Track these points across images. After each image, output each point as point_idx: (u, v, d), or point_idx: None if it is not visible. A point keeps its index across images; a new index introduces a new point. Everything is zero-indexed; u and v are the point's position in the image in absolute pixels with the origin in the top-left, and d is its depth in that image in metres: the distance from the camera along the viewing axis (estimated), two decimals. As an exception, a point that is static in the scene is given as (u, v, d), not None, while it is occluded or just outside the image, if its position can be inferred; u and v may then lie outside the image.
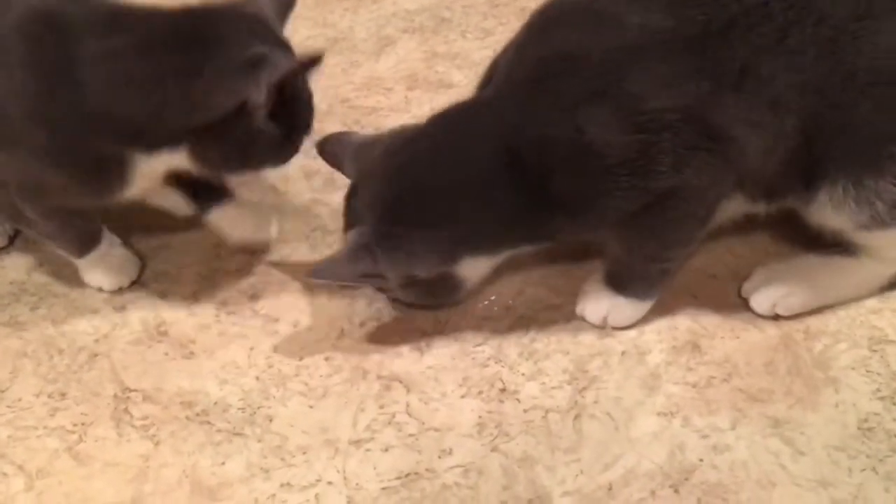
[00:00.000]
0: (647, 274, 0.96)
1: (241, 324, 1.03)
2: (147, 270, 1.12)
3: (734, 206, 0.91)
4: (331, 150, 1.03)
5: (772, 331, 0.96)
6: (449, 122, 0.92)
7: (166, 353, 1.00)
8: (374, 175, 0.94)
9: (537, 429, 0.88)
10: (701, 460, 0.84)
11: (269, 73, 0.85)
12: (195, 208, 1.09)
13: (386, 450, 0.88)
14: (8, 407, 0.95)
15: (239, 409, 0.93)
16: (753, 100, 0.82)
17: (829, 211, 0.87)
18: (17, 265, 1.15)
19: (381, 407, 0.92)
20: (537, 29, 0.90)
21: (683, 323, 0.98)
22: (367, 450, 0.88)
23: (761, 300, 0.97)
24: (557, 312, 1.01)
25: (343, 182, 1.18)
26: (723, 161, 0.85)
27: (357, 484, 0.85)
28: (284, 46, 0.93)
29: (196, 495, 0.85)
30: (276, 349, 1.00)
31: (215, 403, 0.94)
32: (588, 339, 0.97)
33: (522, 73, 0.88)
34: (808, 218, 0.91)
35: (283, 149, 0.95)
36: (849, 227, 0.88)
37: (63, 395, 0.96)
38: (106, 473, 0.88)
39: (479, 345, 0.98)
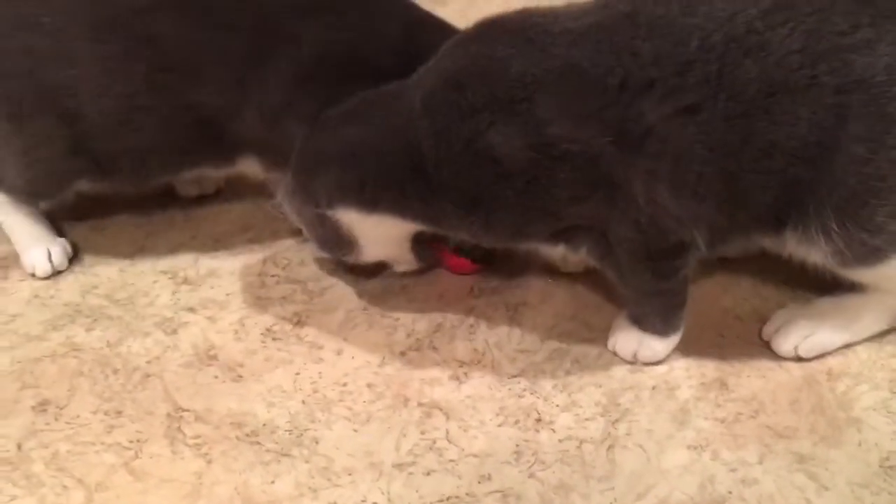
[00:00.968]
0: (656, 310, 1.00)
1: (286, 349, 1.08)
2: (195, 298, 1.17)
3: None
4: None
5: (796, 371, 1.00)
6: (378, 93, 1.02)
7: (216, 376, 1.05)
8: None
9: (572, 458, 0.93)
10: (730, 493, 0.88)
11: None
12: None
13: (428, 474, 0.92)
14: (67, 423, 1.00)
15: (286, 430, 0.98)
16: (655, 161, 0.88)
17: (801, 249, 0.93)
18: (71, 288, 1.20)
19: (423, 433, 0.96)
20: (476, 34, 0.97)
21: (711, 361, 1.02)
22: (410, 473, 0.92)
23: (782, 342, 1.01)
24: (590, 346, 1.05)
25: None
26: (628, 208, 0.91)
27: (401, 506, 0.89)
28: None
29: (248, 512, 0.89)
30: (320, 374, 1.04)
31: (264, 425, 0.98)
32: (620, 373, 1.02)
33: (449, 63, 0.97)
34: (789, 254, 0.96)
35: None
36: (826, 264, 0.93)
37: (119, 413, 1.01)
38: (161, 489, 0.92)
39: (514, 376, 1.02)
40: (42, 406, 1.02)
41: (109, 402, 1.03)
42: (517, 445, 0.94)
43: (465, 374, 1.03)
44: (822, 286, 1.07)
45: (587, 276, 1.14)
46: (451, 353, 1.06)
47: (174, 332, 1.12)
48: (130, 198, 1.37)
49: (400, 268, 1.15)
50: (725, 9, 0.86)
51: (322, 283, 1.18)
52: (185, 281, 1.20)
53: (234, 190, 1.38)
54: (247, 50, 1.09)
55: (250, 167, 1.21)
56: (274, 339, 1.10)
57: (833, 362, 1.00)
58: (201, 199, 1.36)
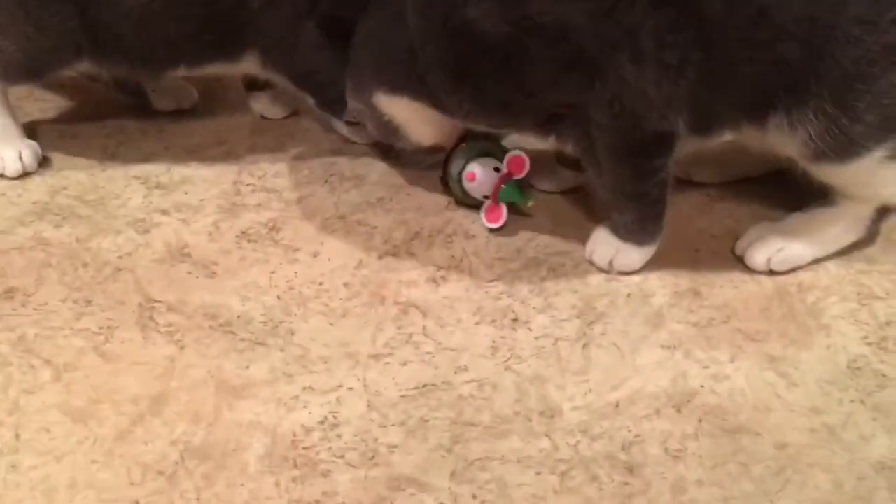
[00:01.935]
0: (638, 216, 1.01)
1: (261, 250, 1.07)
2: (168, 201, 1.16)
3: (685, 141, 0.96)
4: None
5: (768, 284, 1.02)
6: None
7: (189, 272, 1.04)
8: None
9: (548, 353, 0.93)
10: (702, 386, 0.89)
11: None
12: None
13: (404, 364, 0.92)
14: (34, 310, 0.98)
15: (261, 322, 0.97)
16: (632, 36, 0.87)
17: (781, 138, 0.92)
18: (40, 188, 1.18)
19: (399, 328, 0.96)
20: None
21: (685, 272, 1.03)
22: (387, 363, 0.92)
23: (755, 255, 1.03)
24: (567, 258, 1.06)
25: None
26: (604, 90, 0.91)
27: (376, 391, 0.89)
28: None
29: (221, 392, 0.88)
30: (296, 274, 1.04)
31: (238, 317, 0.97)
32: (595, 281, 1.03)
33: None
34: (764, 146, 0.97)
35: None
36: (803, 157, 0.94)
37: (88, 301, 0.99)
38: (133, 370, 0.91)
39: (491, 280, 1.03)
40: (8, 293, 1.00)
41: (79, 291, 1.01)
42: (493, 341, 0.95)
43: (443, 277, 1.03)
44: (792, 208, 1.09)
45: (566, 196, 1.15)
46: (429, 258, 1.06)
47: (146, 231, 1.10)
48: (102, 108, 1.35)
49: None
50: None
51: (299, 192, 1.17)
52: (158, 186, 1.18)
53: (209, 106, 1.36)
54: None
55: (251, 67, 1.21)
56: (249, 240, 1.09)
57: (804, 276, 1.02)
58: (175, 113, 1.34)
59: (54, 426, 0.85)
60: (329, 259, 1.06)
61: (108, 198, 1.16)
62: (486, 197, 1.09)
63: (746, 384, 0.89)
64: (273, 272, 1.04)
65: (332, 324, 0.97)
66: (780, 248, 1.02)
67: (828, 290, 1.00)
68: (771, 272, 1.02)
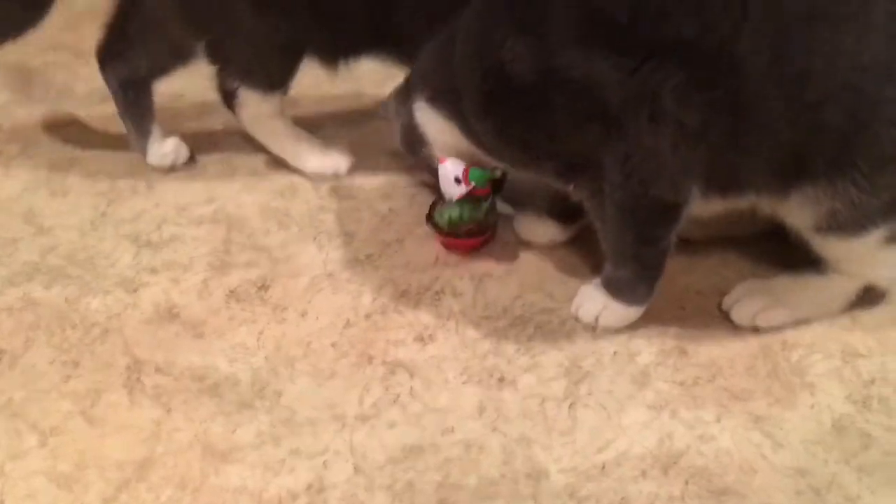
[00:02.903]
0: (634, 277, 1.02)
1: (250, 310, 1.08)
2: (157, 260, 1.16)
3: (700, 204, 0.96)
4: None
5: (753, 341, 1.02)
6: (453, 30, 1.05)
7: (177, 333, 1.04)
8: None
9: (534, 414, 0.93)
10: (688, 447, 0.89)
11: None
12: None
13: (391, 426, 0.92)
14: (22, 372, 0.98)
15: (248, 384, 0.97)
16: (652, 86, 0.86)
17: (798, 208, 0.93)
18: (30, 248, 1.19)
19: (387, 388, 0.96)
20: None
21: (671, 330, 1.04)
22: (374, 425, 0.92)
23: (741, 312, 1.04)
24: (553, 315, 1.07)
25: (345, 192, 1.25)
26: (620, 145, 0.91)
27: (363, 454, 0.89)
28: None
29: (208, 457, 0.88)
30: (284, 334, 1.04)
31: (226, 378, 0.98)
32: (582, 339, 1.03)
33: None
34: (772, 214, 0.97)
35: None
36: (810, 229, 0.94)
37: (76, 363, 0.99)
38: (119, 434, 0.91)
39: (478, 339, 1.03)
40: (-4, 356, 1.00)
41: (67, 353, 1.01)
42: (480, 402, 0.95)
43: (430, 336, 1.04)
44: (777, 267, 1.11)
45: (553, 251, 1.16)
46: (417, 317, 1.06)
47: (135, 291, 1.11)
48: (93, 164, 1.36)
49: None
50: None
51: (287, 251, 1.18)
52: (148, 244, 1.19)
53: (200, 163, 1.37)
54: None
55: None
56: (238, 300, 1.09)
57: (788, 333, 1.03)
58: (165, 170, 1.35)
59: (39, 493, 0.85)
60: (317, 318, 1.06)
61: (98, 257, 1.17)
62: (457, 179, 1.09)
63: (732, 444, 0.90)
64: (261, 332, 1.04)
65: (319, 385, 0.97)
66: (765, 305, 1.03)
67: (812, 348, 1.01)
68: (756, 328, 1.03)
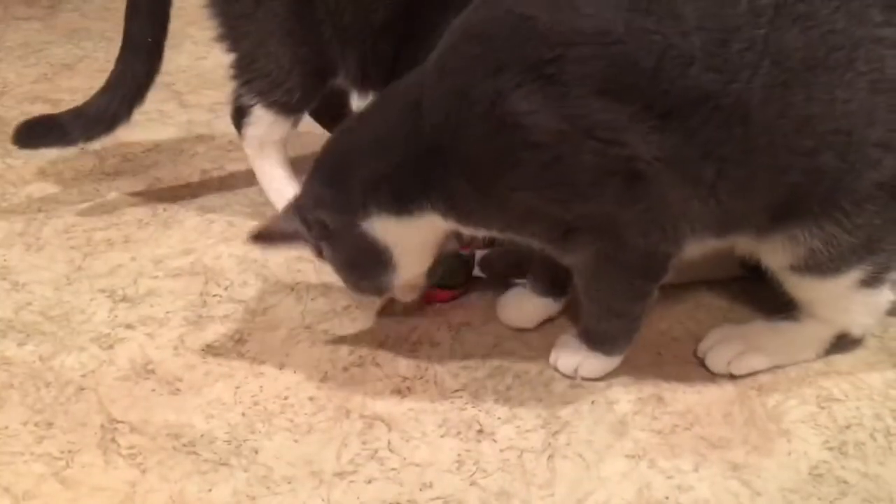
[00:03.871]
0: (615, 330, 1.03)
1: (227, 364, 1.07)
2: (133, 315, 1.16)
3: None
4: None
5: (729, 387, 1.03)
6: (389, 90, 0.98)
7: (153, 390, 1.03)
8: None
9: (513, 467, 0.93)
10: (667, 498, 0.89)
11: None
12: None
13: (369, 482, 0.91)
14: (-6, 434, 0.97)
15: (225, 441, 0.96)
16: (675, 140, 0.85)
17: (778, 249, 0.94)
18: (3, 305, 1.18)
19: (364, 443, 0.96)
20: None
21: (648, 377, 1.04)
22: (351, 481, 0.91)
23: (715, 359, 1.04)
24: (531, 364, 1.07)
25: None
26: (644, 199, 0.88)
27: (341, 512, 0.88)
28: None
29: (183, 518, 0.87)
30: (261, 388, 1.03)
31: (202, 436, 0.97)
32: (560, 388, 1.03)
33: (473, 18, 0.90)
34: (750, 253, 0.98)
35: None
36: (786, 269, 0.95)
37: (50, 424, 0.98)
38: (93, 497, 0.89)
39: (456, 390, 1.03)
40: (-32, 417, 0.99)
41: (40, 413, 1.00)
42: (459, 455, 0.94)
43: (408, 388, 1.03)
44: (751, 311, 1.12)
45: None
46: (394, 368, 1.06)
47: (110, 347, 1.10)
48: (69, 216, 1.36)
49: (407, 297, 1.09)
50: None
51: (265, 303, 1.18)
52: (124, 299, 1.19)
53: (175, 214, 1.37)
54: None
55: None
56: (214, 355, 1.09)
57: (764, 379, 1.04)
58: (141, 222, 1.35)
59: (11, 560, 0.83)
60: (295, 372, 1.06)
61: (73, 313, 1.16)
62: None
63: (710, 494, 0.90)
64: (238, 387, 1.04)
65: (296, 441, 0.96)
66: (739, 352, 1.04)
67: (787, 393, 1.02)
68: (731, 375, 1.04)
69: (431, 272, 1.05)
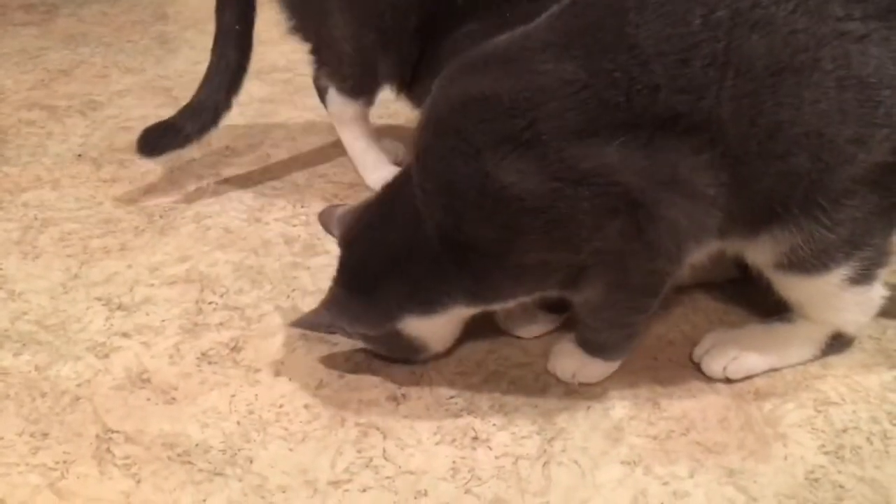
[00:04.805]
0: (614, 339, 1.03)
1: (222, 373, 1.07)
2: (129, 323, 1.16)
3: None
4: (324, 220, 1.11)
5: (725, 391, 1.03)
6: (389, 188, 1.00)
7: (148, 399, 1.03)
8: (341, 243, 1.03)
9: (508, 474, 0.93)
10: (662, 504, 0.89)
11: None
12: None
13: (364, 490, 0.91)
14: (-11, 445, 0.97)
15: (220, 450, 0.96)
16: (662, 161, 0.85)
17: (764, 249, 0.93)
18: (0, 314, 1.17)
19: (359, 451, 0.96)
20: (451, 77, 0.92)
21: (644, 382, 1.04)
22: (346, 490, 0.91)
23: (711, 364, 1.04)
24: (527, 370, 1.07)
25: (320, 247, 1.26)
26: (650, 228, 0.87)
27: (336, 521, 0.88)
28: None
29: (178, 529, 0.87)
30: (257, 397, 1.03)
31: (196, 445, 0.97)
32: (555, 394, 1.03)
33: (436, 113, 0.92)
34: (734, 252, 0.98)
35: None
36: (774, 268, 0.95)
37: (45, 434, 0.98)
38: (87, 508, 0.89)
39: (452, 397, 1.03)
40: (-36, 428, 0.99)
41: (36, 424, 1.00)
42: (454, 462, 0.94)
43: (403, 395, 1.03)
44: (747, 313, 1.12)
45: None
46: (389, 375, 1.06)
47: (106, 356, 1.10)
48: (65, 224, 1.36)
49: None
50: None
51: (261, 310, 1.18)
52: (120, 307, 1.19)
53: (171, 223, 1.37)
54: None
55: None
56: (210, 363, 1.09)
57: (760, 383, 1.03)
58: (137, 229, 1.35)
59: (6, 572, 0.83)
60: (290, 379, 1.06)
61: (69, 322, 1.16)
62: None
63: (706, 501, 0.89)
64: (233, 395, 1.04)
65: (291, 449, 0.96)
66: (735, 356, 1.03)
67: (784, 397, 1.01)
68: (727, 379, 1.03)
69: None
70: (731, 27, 0.82)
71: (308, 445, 0.97)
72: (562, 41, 0.87)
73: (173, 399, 1.03)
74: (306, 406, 1.02)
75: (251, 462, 0.95)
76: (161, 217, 1.38)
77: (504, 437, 0.97)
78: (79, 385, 1.05)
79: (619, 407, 1.01)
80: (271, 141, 1.63)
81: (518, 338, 1.11)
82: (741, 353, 1.03)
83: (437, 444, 0.97)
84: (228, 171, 1.52)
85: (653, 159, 0.85)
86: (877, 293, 0.99)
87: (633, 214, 0.87)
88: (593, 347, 1.02)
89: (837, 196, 0.89)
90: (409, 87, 1.34)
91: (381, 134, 1.52)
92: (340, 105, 1.41)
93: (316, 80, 1.47)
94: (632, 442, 0.96)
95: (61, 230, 1.35)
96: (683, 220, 0.88)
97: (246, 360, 1.09)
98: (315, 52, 1.40)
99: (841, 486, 0.90)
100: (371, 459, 0.95)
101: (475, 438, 0.97)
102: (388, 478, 0.93)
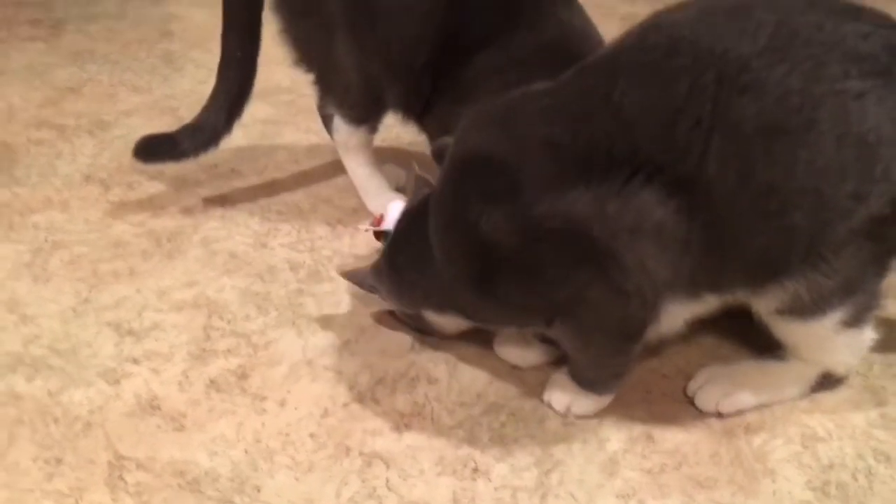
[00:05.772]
0: (601, 377, 1.07)
1: (230, 401, 1.10)
2: (139, 349, 1.19)
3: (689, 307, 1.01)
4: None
5: (717, 426, 1.06)
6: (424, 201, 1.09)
7: (158, 426, 1.07)
8: (400, 219, 1.15)
9: (507, 506, 0.96)
10: (655, 538, 0.93)
11: None
12: None
13: (368, 521, 0.95)
14: (5, 471, 1.00)
15: (228, 479, 0.99)
16: (636, 205, 0.90)
17: (766, 297, 0.97)
18: (13, 338, 1.21)
19: (364, 481, 0.99)
20: (463, 134, 1.03)
21: (638, 415, 1.08)
22: (350, 520, 0.95)
23: (704, 399, 1.08)
24: (526, 401, 1.10)
25: (325, 274, 1.29)
26: (620, 275, 0.93)
27: (341, 551, 0.91)
28: None
29: (188, 557, 0.90)
30: (263, 425, 1.07)
31: (206, 473, 1.00)
32: (553, 426, 1.07)
33: (448, 171, 1.04)
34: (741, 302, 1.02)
35: None
36: (773, 315, 0.99)
37: (59, 461, 1.01)
38: (101, 535, 0.93)
39: (453, 428, 1.06)
40: (-20, 453, 1.02)
41: (49, 449, 1.03)
42: (454, 493, 0.98)
43: (406, 425, 1.07)
44: (740, 347, 1.15)
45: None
46: (393, 405, 1.10)
47: (117, 382, 1.13)
48: (75, 248, 1.39)
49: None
50: (714, 47, 0.87)
51: (267, 337, 1.21)
52: (130, 332, 1.22)
53: (178, 247, 1.40)
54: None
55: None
56: (218, 390, 1.12)
57: (750, 418, 1.07)
58: (146, 253, 1.38)
59: None
60: (296, 408, 1.09)
61: (80, 346, 1.19)
62: None
63: (697, 535, 0.93)
64: (241, 423, 1.07)
65: (297, 479, 1.00)
66: (728, 392, 1.07)
67: (773, 432, 1.05)
68: (719, 414, 1.07)
69: None
70: (717, 91, 0.87)
71: (314, 475, 1.00)
72: (556, 105, 0.96)
73: (182, 426, 1.07)
74: (311, 435, 1.05)
75: (258, 491, 0.98)
76: (168, 241, 1.42)
77: (503, 468, 1.01)
78: (91, 411, 1.08)
79: (615, 440, 1.05)
80: (275, 164, 1.66)
81: (514, 367, 1.15)
82: (734, 390, 1.07)
83: (438, 474, 1.00)
84: (234, 195, 1.55)
85: (624, 206, 0.90)
86: (867, 336, 1.03)
87: (603, 263, 0.93)
88: (584, 383, 1.07)
89: (838, 247, 0.93)
90: (420, 117, 1.38)
91: (383, 157, 1.55)
92: (346, 133, 1.45)
93: (321, 109, 1.52)
94: (626, 475, 1.00)
95: (71, 253, 1.38)
96: (654, 266, 0.93)
97: (252, 387, 1.12)
98: (319, 81, 1.44)
99: (826, 523, 0.94)
100: (375, 489, 0.98)
101: (475, 470, 1.01)
102: (391, 508, 0.96)
